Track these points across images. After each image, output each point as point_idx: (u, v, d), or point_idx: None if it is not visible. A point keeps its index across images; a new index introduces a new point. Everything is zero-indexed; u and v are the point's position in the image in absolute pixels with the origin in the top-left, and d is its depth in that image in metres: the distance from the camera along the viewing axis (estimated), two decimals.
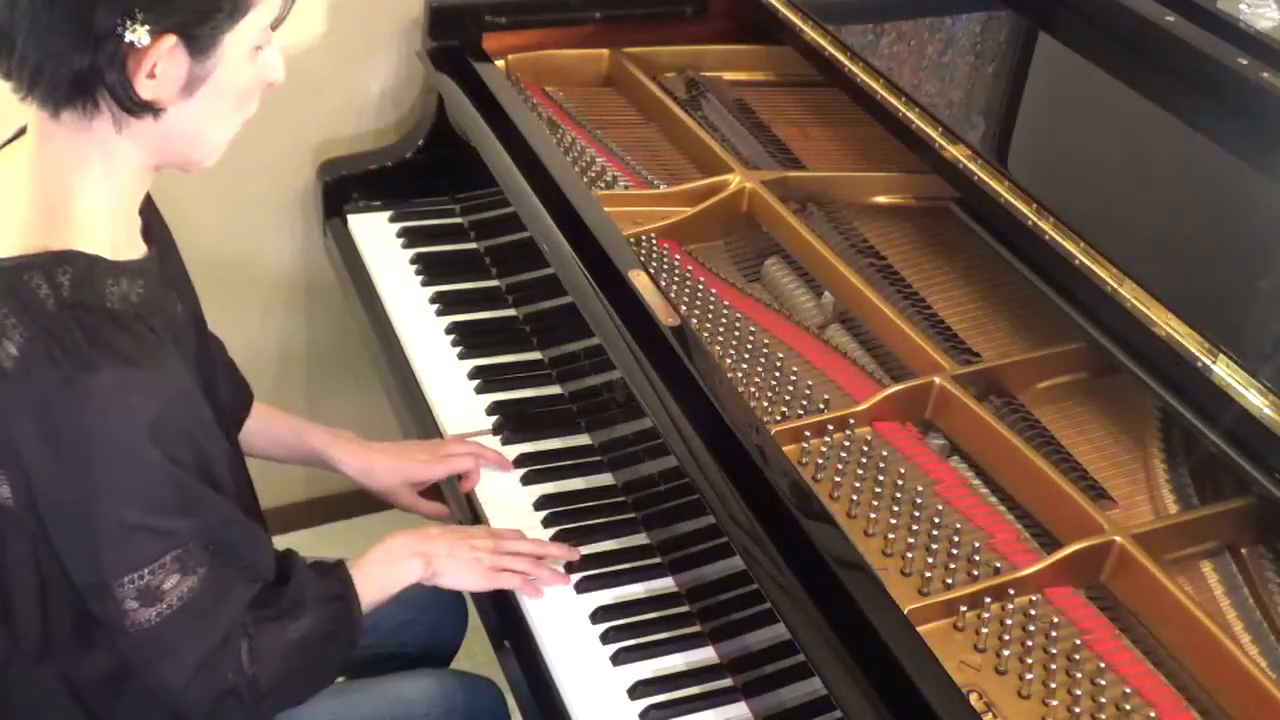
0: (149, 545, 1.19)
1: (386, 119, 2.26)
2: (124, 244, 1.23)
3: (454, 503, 1.67)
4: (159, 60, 1.12)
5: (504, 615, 1.53)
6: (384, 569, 1.45)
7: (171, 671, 1.26)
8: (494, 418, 1.75)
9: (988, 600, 1.33)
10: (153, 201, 1.35)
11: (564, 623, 1.48)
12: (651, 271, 1.62)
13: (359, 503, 2.44)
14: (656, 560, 1.55)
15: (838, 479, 1.46)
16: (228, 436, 1.44)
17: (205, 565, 1.24)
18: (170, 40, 1.12)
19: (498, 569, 1.49)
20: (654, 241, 1.76)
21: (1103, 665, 1.29)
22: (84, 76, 1.12)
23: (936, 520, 1.42)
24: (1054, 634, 1.32)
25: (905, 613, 1.27)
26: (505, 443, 1.71)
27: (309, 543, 1.52)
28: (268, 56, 1.23)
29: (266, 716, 1.37)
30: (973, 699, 1.24)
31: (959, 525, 1.41)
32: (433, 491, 1.69)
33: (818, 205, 1.85)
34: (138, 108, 1.15)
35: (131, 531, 1.18)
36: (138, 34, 1.10)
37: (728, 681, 1.42)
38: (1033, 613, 1.34)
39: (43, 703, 1.32)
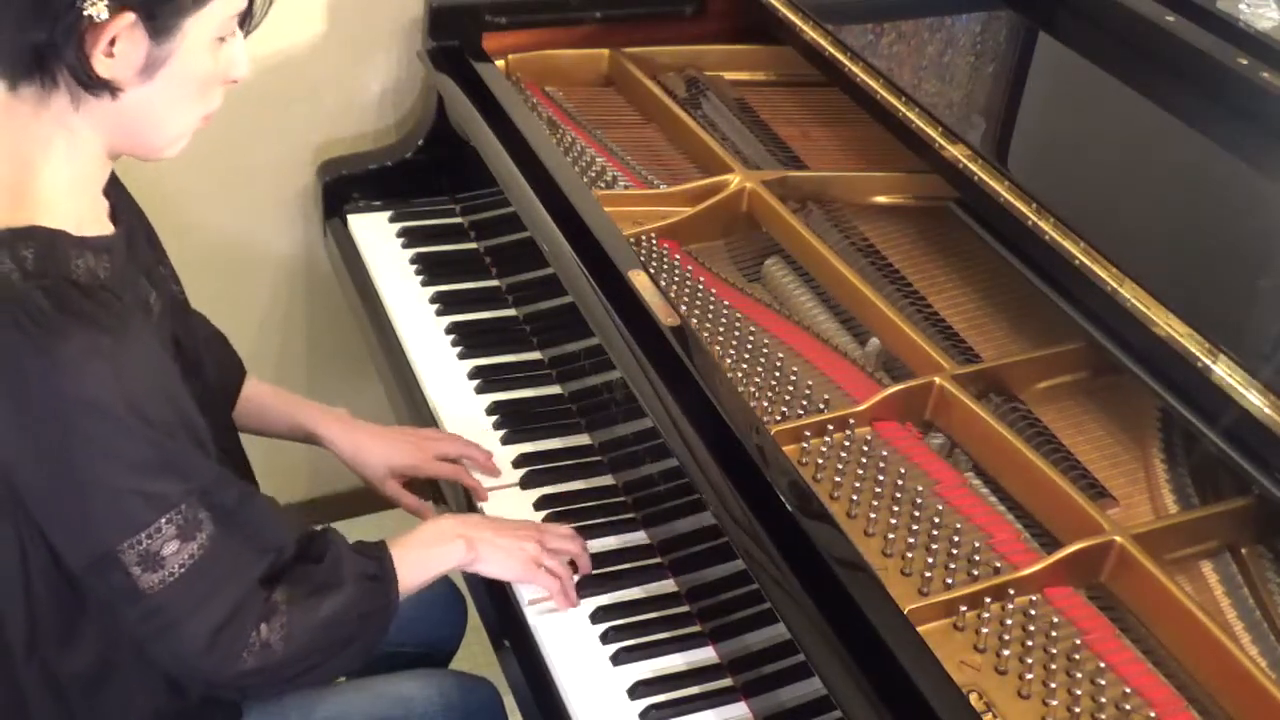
0: (141, 509, 1.18)
1: (386, 119, 2.26)
2: (88, 221, 1.23)
3: (453, 501, 1.67)
4: (118, 37, 1.13)
5: (504, 615, 1.53)
6: (425, 550, 1.43)
7: (185, 640, 1.24)
8: (494, 417, 1.75)
9: (988, 600, 1.33)
10: (120, 184, 1.34)
11: (564, 623, 1.48)
12: (651, 271, 1.62)
13: (359, 502, 2.44)
14: (656, 560, 1.55)
15: (838, 479, 1.46)
16: (219, 413, 1.42)
17: (206, 532, 1.22)
18: (129, 17, 1.12)
19: (539, 564, 1.47)
20: (654, 241, 1.76)
21: (1103, 665, 1.29)
22: (42, 50, 1.13)
23: (936, 520, 1.42)
24: (1054, 634, 1.32)
25: (905, 613, 1.26)
26: (505, 442, 1.71)
27: None
28: (232, 51, 1.23)
29: (289, 690, 1.34)
30: (973, 699, 1.24)
31: (959, 525, 1.41)
32: (420, 485, 1.69)
33: (818, 204, 1.85)
34: (94, 85, 1.15)
35: (120, 495, 1.17)
36: (96, 8, 1.10)
37: (728, 681, 1.42)
38: (1033, 613, 1.34)
39: (24, 704, 1.31)
